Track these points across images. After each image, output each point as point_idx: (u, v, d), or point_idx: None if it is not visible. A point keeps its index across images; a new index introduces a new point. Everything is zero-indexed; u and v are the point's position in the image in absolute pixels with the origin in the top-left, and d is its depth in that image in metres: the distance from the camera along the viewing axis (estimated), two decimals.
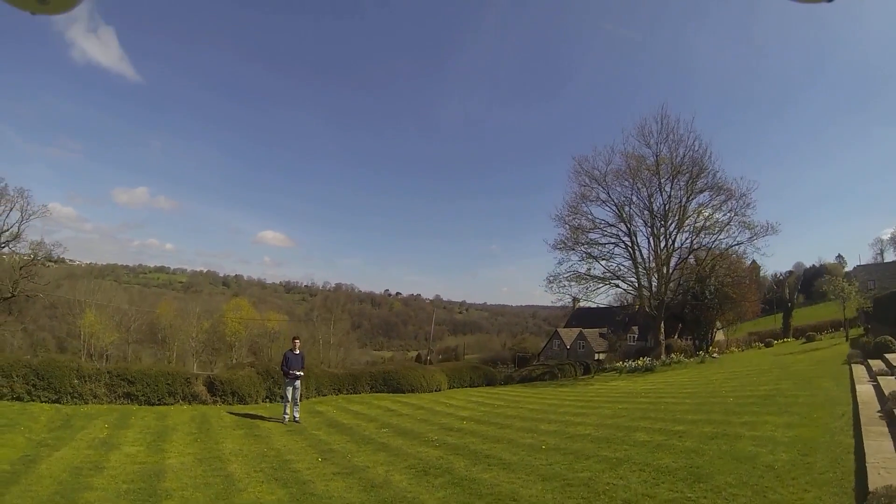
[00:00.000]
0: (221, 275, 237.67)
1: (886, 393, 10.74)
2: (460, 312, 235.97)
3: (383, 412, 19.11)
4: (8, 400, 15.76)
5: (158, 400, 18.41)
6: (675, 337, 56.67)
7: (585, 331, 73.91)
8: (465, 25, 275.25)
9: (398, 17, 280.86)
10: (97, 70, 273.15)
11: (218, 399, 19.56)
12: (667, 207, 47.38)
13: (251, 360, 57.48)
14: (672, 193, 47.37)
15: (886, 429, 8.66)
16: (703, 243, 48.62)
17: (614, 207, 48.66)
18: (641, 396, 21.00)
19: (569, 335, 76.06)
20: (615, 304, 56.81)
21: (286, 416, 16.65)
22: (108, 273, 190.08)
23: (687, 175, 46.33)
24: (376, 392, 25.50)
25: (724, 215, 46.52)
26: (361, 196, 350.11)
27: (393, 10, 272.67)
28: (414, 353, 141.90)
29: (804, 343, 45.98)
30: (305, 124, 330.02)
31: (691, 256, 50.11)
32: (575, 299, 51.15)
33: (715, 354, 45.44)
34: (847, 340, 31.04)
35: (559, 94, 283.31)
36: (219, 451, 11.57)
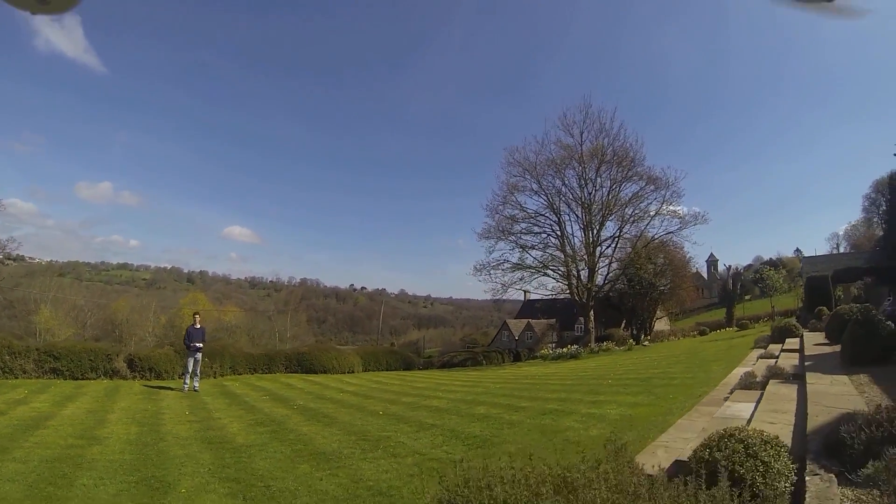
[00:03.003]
0: (186, 271, 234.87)
1: (756, 376, 11.14)
2: (425, 306, 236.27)
3: (280, 386, 20.70)
4: None
5: (82, 375, 20.06)
6: (621, 327, 57.46)
7: (533, 321, 74.61)
8: (434, 24, 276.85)
9: (366, 14, 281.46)
10: (61, 60, 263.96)
11: (137, 375, 21.13)
12: (593, 197, 48.45)
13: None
14: (600, 183, 48.51)
15: (718, 408, 9.01)
16: (632, 233, 50.07)
17: (545, 197, 49.28)
18: (533, 379, 21.72)
19: (517, 326, 76.87)
20: (552, 295, 56.23)
21: (186, 386, 17.95)
22: (69, 270, 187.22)
23: (614, 165, 47.46)
24: (290, 372, 26.82)
25: (652, 205, 48.14)
26: (329, 192, 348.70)
27: (361, 8, 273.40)
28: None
29: (737, 331, 47.84)
30: (273, 120, 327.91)
31: (628, 245, 51.39)
32: (503, 287, 50.13)
33: (646, 343, 47.32)
34: (773, 327, 32.40)
35: (530, 92, 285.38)
36: (109, 407, 13.57)
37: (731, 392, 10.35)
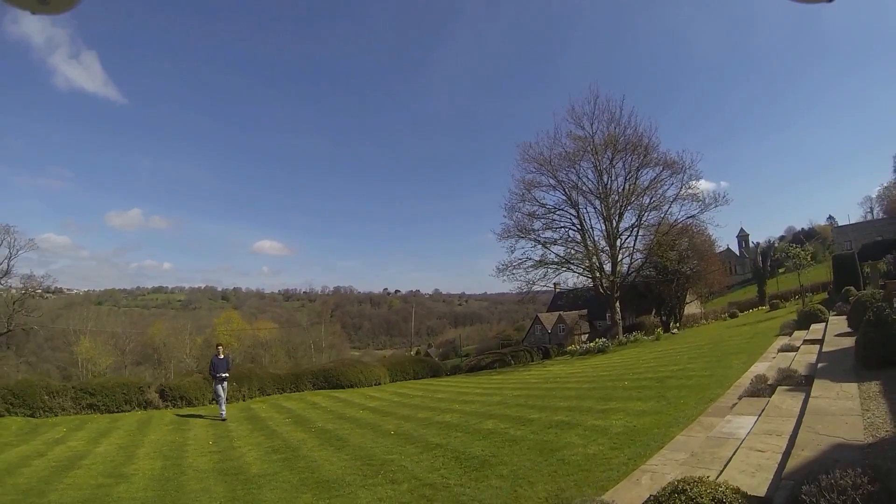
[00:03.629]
0: (220, 289, 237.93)
1: (768, 379, 10.77)
2: (460, 304, 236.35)
3: (305, 406, 21.27)
4: None
5: (117, 408, 21.09)
6: (652, 314, 58.00)
7: (564, 314, 74.14)
8: (444, 21, 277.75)
9: (377, 22, 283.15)
10: (82, 95, 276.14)
11: (169, 404, 22.10)
12: (609, 187, 47.75)
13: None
14: (616, 172, 47.81)
15: (720, 420, 8.93)
16: (652, 219, 49.09)
17: (562, 191, 48.68)
18: (553, 381, 21.74)
19: (549, 319, 76.72)
20: (580, 287, 56.40)
21: (223, 413, 18.50)
22: (105, 298, 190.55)
23: (628, 153, 46.76)
24: (318, 389, 27.39)
25: (670, 190, 47.23)
26: (356, 199, 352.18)
27: (372, 17, 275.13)
28: (414, 350, 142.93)
29: (768, 311, 47.52)
30: (293, 134, 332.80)
31: (651, 234, 50.08)
32: (528, 284, 48.49)
33: (675, 330, 47.45)
34: (804, 306, 31.70)
35: (548, 81, 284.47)
36: (139, 441, 14.54)
37: (739, 399, 10.20)
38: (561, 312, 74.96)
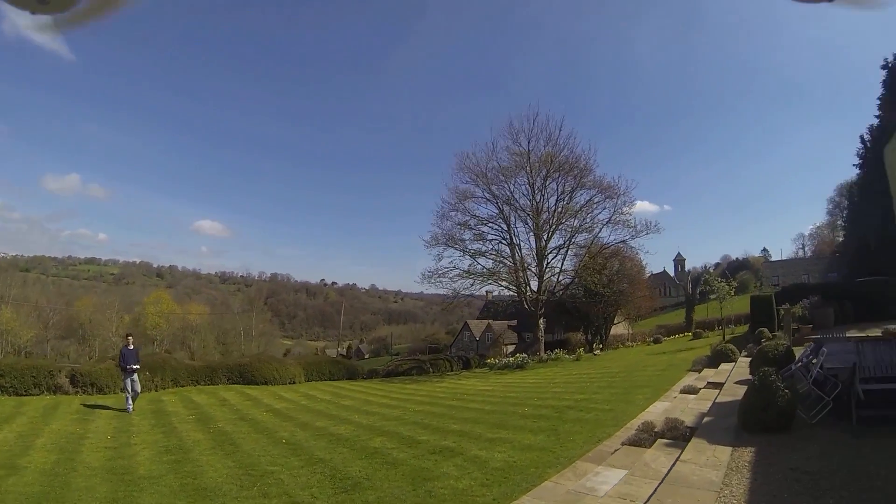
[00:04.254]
0: (155, 266, 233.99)
1: (662, 417, 11.46)
2: (395, 301, 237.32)
3: (214, 402, 21.60)
4: None
5: (25, 391, 20.95)
6: (580, 332, 59.03)
7: (494, 323, 74.92)
8: (408, 22, 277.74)
9: (343, 11, 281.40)
10: (29, 46, 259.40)
11: (79, 390, 22.11)
12: (541, 205, 48.64)
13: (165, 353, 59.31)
14: (550, 192, 48.85)
15: (595, 467, 9.19)
16: (583, 241, 50.32)
17: (495, 205, 49.41)
18: (459, 398, 21.96)
19: (478, 327, 77.25)
20: (507, 298, 57.48)
21: (130, 406, 18.28)
22: (34, 266, 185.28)
23: (563, 173, 47.74)
24: (233, 384, 27.63)
25: (603, 213, 48.50)
26: (302, 187, 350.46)
27: (338, 5, 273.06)
28: (346, 345, 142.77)
29: (690, 340, 48.23)
30: (246, 115, 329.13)
31: (581, 255, 51.24)
32: (454, 294, 49.32)
33: (597, 351, 48.65)
34: (724, 340, 31.81)
35: (503, 89, 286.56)
36: (41, 430, 14.69)
37: (622, 445, 10.50)
38: (490, 321, 75.75)
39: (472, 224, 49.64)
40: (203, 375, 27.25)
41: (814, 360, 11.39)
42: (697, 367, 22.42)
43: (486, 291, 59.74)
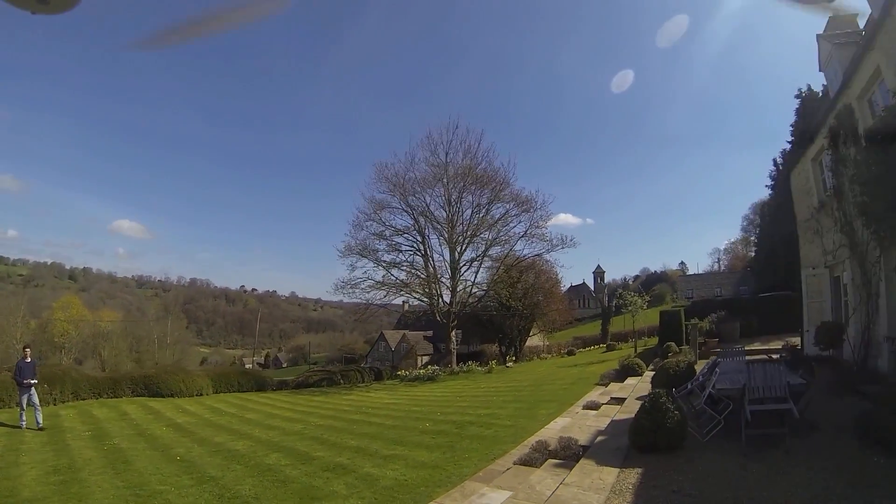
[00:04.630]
0: (68, 267, 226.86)
1: (549, 446, 11.23)
2: (315, 310, 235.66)
3: (114, 416, 21.22)
4: None
5: None
6: (495, 344, 60.30)
7: (409, 333, 75.14)
8: (340, 26, 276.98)
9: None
10: None
11: None
12: (456, 217, 49.23)
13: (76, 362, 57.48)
14: (466, 204, 49.46)
15: (483, 487, 9.34)
16: (497, 253, 51.00)
17: (411, 216, 49.78)
18: (363, 412, 21.90)
19: (394, 337, 77.14)
20: (421, 310, 58.20)
21: (23, 423, 17.57)
22: None
23: (480, 186, 48.27)
24: (137, 396, 27.17)
25: (518, 226, 49.30)
26: (222, 189, 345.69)
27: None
28: (264, 353, 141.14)
29: (604, 352, 49.35)
30: (166, 112, 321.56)
31: (495, 267, 52.28)
32: (366, 305, 49.76)
33: (510, 363, 49.10)
34: (635, 353, 32.58)
35: (428, 101, 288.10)
36: None
37: (513, 465, 10.70)
38: (406, 331, 75.84)
39: (388, 234, 49.89)
40: (106, 388, 26.51)
41: (711, 379, 11.82)
42: (605, 381, 22.99)
43: (403, 301, 59.73)
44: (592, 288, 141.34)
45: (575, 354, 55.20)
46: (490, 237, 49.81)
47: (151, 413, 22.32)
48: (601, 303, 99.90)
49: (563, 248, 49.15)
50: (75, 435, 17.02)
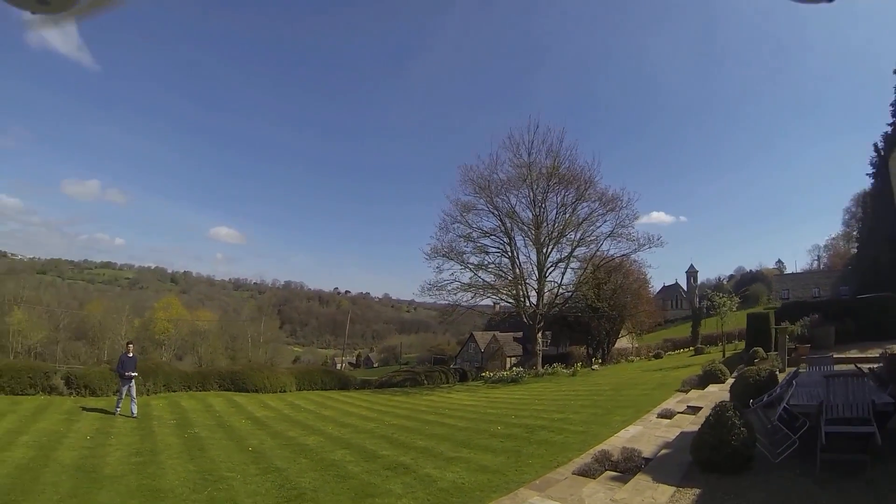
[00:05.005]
0: (170, 271, 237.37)
1: (612, 456, 10.63)
2: (408, 311, 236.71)
3: (200, 407, 22.62)
4: None
5: (21, 391, 21.99)
6: (585, 346, 59.10)
7: (499, 334, 74.24)
8: (425, 32, 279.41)
9: (360, 19, 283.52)
10: (54, 56, 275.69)
11: (73, 392, 23.15)
12: (542, 218, 48.32)
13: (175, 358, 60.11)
14: (552, 204, 48.44)
15: (537, 494, 9.07)
16: (584, 254, 50.01)
17: (497, 218, 49.27)
18: (439, 413, 21.93)
19: (484, 338, 76.78)
20: (512, 311, 55.80)
21: (118, 410, 19.15)
22: (50, 268, 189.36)
23: (565, 186, 47.42)
24: (224, 390, 28.52)
25: (604, 226, 48.10)
26: (316, 196, 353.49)
27: (355, 12, 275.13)
28: (356, 353, 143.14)
29: (692, 356, 47.45)
30: (262, 124, 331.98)
31: (582, 268, 51.36)
32: (453, 306, 49.42)
33: (595, 366, 47.71)
34: (723, 357, 31.17)
35: (520, 99, 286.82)
36: (27, 428, 15.72)
37: (570, 475, 10.29)
38: (496, 333, 75.01)
39: (475, 236, 49.39)
40: (196, 381, 28.11)
41: (788, 391, 10.42)
42: (686, 387, 22.01)
43: (494, 303, 58.22)
44: (685, 288, 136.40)
45: (662, 357, 53.84)
46: (576, 237, 48.87)
47: (234, 406, 23.51)
48: (692, 304, 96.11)
49: (650, 247, 47.86)
50: (161, 423, 18.29)
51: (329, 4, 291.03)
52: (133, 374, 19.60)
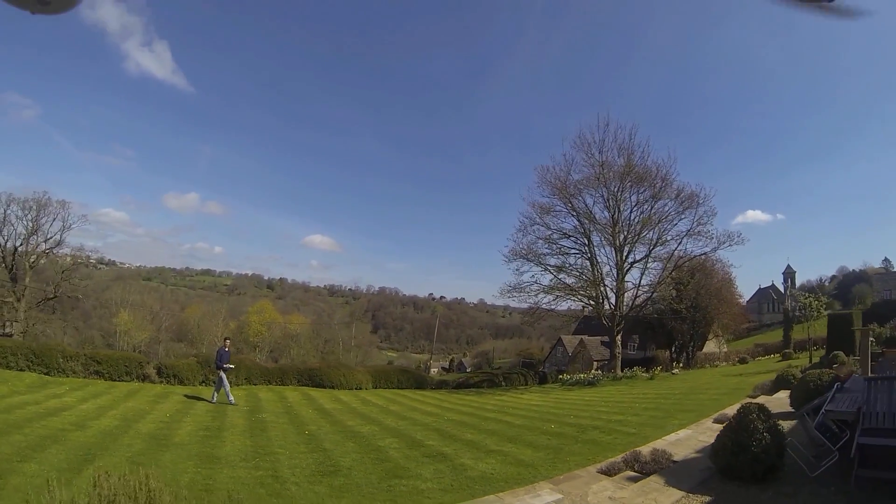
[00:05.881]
0: (266, 278, 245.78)
1: (645, 458, 10.32)
2: (503, 316, 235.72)
3: (273, 397, 24.72)
4: (14, 370, 23.06)
5: (118, 377, 25.31)
6: (671, 349, 58.15)
7: (587, 338, 72.87)
8: (505, 39, 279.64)
9: (442, 33, 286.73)
10: (151, 81, 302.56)
11: (163, 380, 26.05)
12: (618, 217, 47.23)
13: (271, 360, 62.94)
14: (628, 203, 47.16)
15: (553, 487, 9.21)
16: (662, 254, 48.23)
17: (575, 219, 48.31)
18: (501, 412, 21.65)
19: (571, 342, 76.17)
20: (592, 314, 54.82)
21: (215, 397, 21.57)
22: (155, 275, 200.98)
23: (639, 184, 46.04)
24: (302, 385, 30.38)
25: (682, 224, 46.20)
26: (410, 204, 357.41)
27: (438, 28, 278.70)
28: (449, 358, 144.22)
29: (779, 361, 46.12)
30: (352, 135, 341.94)
31: (661, 269, 49.36)
32: (534, 308, 48.92)
33: (676, 370, 46.63)
34: (809, 362, 29.90)
35: (606, 100, 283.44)
36: (117, 405, 18.41)
37: (595, 472, 10.37)
38: (584, 337, 73.73)
39: (555, 237, 48.61)
40: (275, 376, 30.30)
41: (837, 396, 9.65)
42: (756, 392, 21.47)
43: (583, 307, 54.83)
44: (782, 290, 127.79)
45: (747, 363, 52.44)
46: (654, 237, 47.34)
47: (306, 398, 25.16)
48: (784, 307, 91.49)
49: (729, 245, 45.33)
50: (235, 409, 20.25)
51: (413, 24, 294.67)
52: (230, 367, 22.15)
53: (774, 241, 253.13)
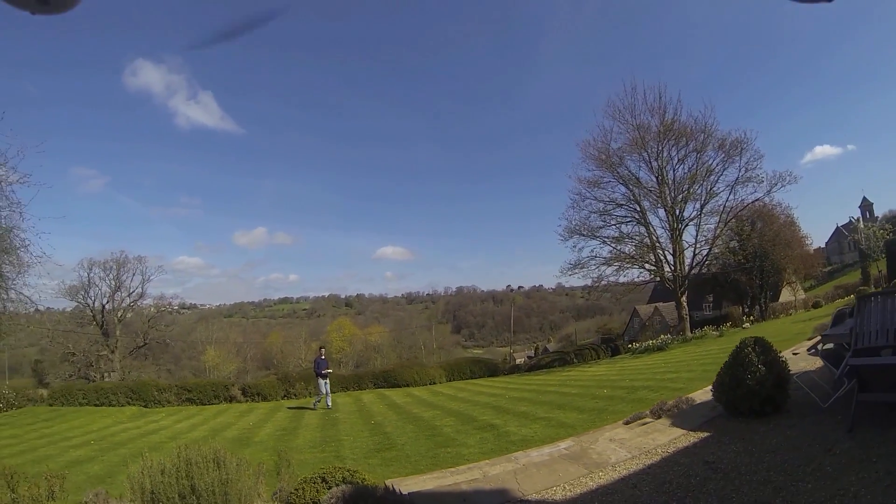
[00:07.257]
0: (343, 296, 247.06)
1: (665, 403, 10.44)
2: (582, 297, 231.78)
3: (350, 400, 26.27)
4: (116, 406, 26.49)
5: (208, 401, 28.38)
6: (743, 304, 56.64)
7: (661, 305, 72.97)
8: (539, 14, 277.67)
9: (485, 26, 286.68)
10: (203, 131, 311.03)
11: (248, 398, 28.79)
12: (665, 178, 46.20)
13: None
14: (672, 161, 45.97)
15: (575, 438, 9.61)
16: (714, 207, 46.58)
17: (624, 187, 47.02)
18: (562, 385, 22.07)
19: (646, 311, 76.38)
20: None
21: (317, 404, 22.89)
22: (235, 311, 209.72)
23: (678, 140, 44.91)
24: (378, 388, 32.07)
25: (729, 172, 44.88)
26: (472, 200, 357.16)
27: (479, 22, 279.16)
28: (534, 347, 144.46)
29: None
30: (404, 143, 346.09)
31: (715, 222, 47.23)
32: (598, 281, 47.43)
33: (746, 324, 43.64)
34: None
35: (660, 74, 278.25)
36: (204, 421, 21.53)
37: (621, 424, 10.59)
38: (658, 304, 74.08)
39: (609, 209, 47.71)
40: (352, 382, 32.49)
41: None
42: (815, 333, 19.25)
43: (648, 273, 51.46)
44: (862, 225, 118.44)
45: (820, 307, 49.23)
46: (703, 191, 46.14)
47: (380, 397, 26.67)
48: (858, 244, 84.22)
49: (782, 185, 43.69)
50: (312, 411, 22.42)
51: (450, 25, 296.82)
52: (329, 372, 23.58)
53: (848, 174, 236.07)
